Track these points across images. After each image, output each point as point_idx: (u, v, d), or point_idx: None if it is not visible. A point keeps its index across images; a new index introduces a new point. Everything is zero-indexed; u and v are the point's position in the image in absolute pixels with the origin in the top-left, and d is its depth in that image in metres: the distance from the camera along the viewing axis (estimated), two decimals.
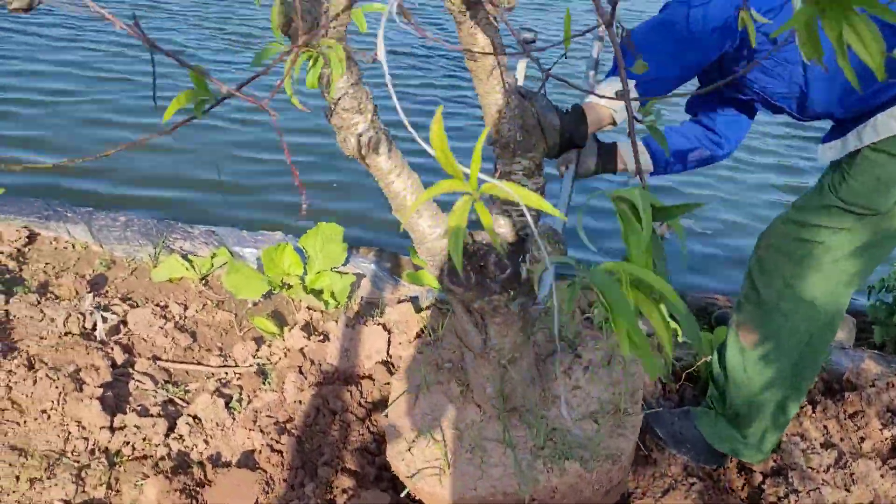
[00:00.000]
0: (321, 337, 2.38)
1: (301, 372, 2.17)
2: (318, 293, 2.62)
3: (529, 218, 0.61)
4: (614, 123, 1.63)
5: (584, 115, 1.56)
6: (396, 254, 3.04)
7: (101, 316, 2.36)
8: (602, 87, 1.64)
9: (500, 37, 1.38)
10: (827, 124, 1.82)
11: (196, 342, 2.41)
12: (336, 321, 2.53)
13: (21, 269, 2.66)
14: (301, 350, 2.29)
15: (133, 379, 2.18)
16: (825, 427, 2.22)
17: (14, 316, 2.33)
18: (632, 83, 1.56)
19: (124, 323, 2.42)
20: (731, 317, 2.03)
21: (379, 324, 2.35)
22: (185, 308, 2.55)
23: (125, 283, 2.66)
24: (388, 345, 2.24)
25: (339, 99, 1.31)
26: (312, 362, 2.22)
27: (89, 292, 2.53)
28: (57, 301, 2.45)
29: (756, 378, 1.91)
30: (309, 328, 2.47)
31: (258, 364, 2.28)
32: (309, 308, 2.61)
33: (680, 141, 2.11)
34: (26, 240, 2.81)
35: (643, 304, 0.49)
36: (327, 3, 1.24)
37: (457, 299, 1.46)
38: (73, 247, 2.85)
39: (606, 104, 1.59)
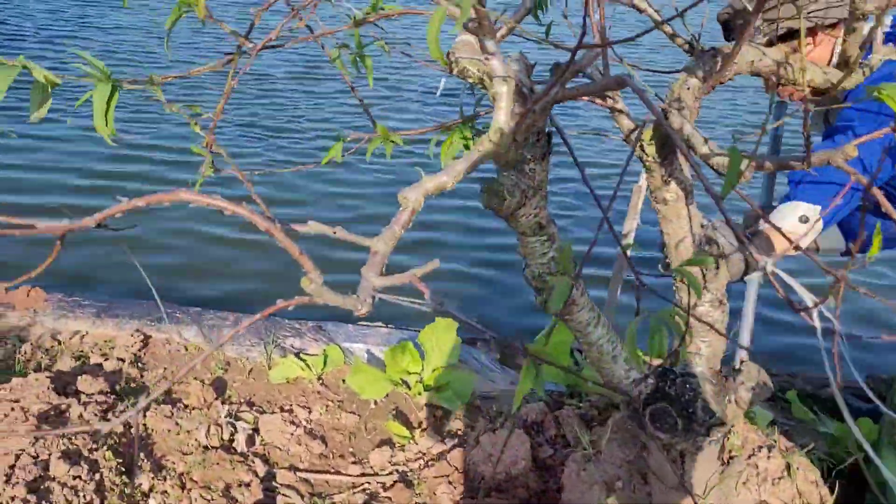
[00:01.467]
0: (455, 440, 2.38)
1: (450, 482, 2.17)
2: (437, 390, 2.64)
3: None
4: (798, 249, 1.65)
5: (771, 242, 1.59)
6: (502, 342, 3.06)
7: (242, 427, 2.37)
8: (783, 211, 1.66)
9: (691, 182, 1.42)
10: None
11: (328, 448, 2.42)
12: (459, 419, 2.54)
13: (142, 376, 2.69)
14: (441, 455, 2.29)
15: (279, 493, 2.18)
16: None
17: (152, 430, 2.35)
18: (816, 208, 1.59)
19: (256, 431, 2.43)
20: (883, 418, 2.02)
21: (514, 424, 2.35)
22: (310, 412, 2.56)
23: (245, 387, 2.68)
24: (532, 448, 2.24)
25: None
26: (456, 469, 2.22)
27: (216, 399, 2.55)
28: (188, 410, 2.47)
29: None
30: (439, 429, 2.48)
31: (398, 471, 2.29)
32: (429, 406, 2.61)
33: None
34: (141, 344, 2.85)
35: None
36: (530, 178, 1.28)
37: (660, 443, 1.47)
38: (186, 349, 2.88)
39: (790, 230, 1.62)
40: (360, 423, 2.55)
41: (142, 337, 2.87)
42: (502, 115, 0.78)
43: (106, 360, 2.73)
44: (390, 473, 2.29)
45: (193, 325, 2.95)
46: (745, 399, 1.38)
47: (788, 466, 1.80)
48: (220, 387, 2.66)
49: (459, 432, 2.49)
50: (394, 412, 2.60)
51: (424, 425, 2.54)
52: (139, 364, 2.74)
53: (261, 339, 2.92)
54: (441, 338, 2.74)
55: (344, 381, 2.69)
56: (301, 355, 2.82)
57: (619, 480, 1.81)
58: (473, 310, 3.61)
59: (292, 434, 2.43)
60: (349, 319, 3.13)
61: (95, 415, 2.27)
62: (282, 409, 2.56)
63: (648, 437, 1.48)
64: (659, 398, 1.47)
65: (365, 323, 3.16)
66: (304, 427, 2.48)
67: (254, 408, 2.55)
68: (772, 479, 1.77)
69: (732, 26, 1.95)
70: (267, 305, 0.74)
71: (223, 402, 2.54)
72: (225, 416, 2.40)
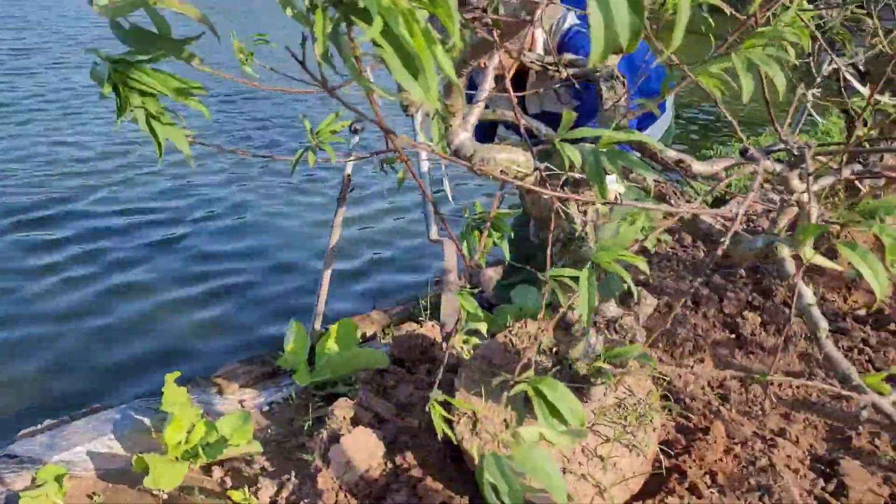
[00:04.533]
0: (289, 475, 2.34)
1: None
2: (214, 444, 2.47)
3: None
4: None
5: None
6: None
7: None
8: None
9: None
10: None
11: None
12: (257, 461, 2.47)
13: None
14: (303, 490, 2.27)
15: None
16: None
17: None
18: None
19: None
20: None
21: (341, 430, 2.44)
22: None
23: None
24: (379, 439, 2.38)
25: None
26: (336, 491, 2.25)
27: None
28: None
29: None
30: (256, 476, 2.38)
31: None
32: (222, 462, 2.45)
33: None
34: None
35: None
36: None
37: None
38: None
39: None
40: None
41: None
42: None
43: None
44: None
45: None
46: (647, 315, 2.04)
47: None
48: None
49: (272, 469, 2.45)
50: (193, 489, 2.34)
51: (232, 483, 2.40)
52: None
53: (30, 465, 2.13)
54: (177, 396, 2.52)
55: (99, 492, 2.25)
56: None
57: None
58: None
59: None
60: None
61: None
62: None
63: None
64: (609, 348, 2.00)
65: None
66: None
67: None
68: None
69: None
70: None
71: None
72: None
